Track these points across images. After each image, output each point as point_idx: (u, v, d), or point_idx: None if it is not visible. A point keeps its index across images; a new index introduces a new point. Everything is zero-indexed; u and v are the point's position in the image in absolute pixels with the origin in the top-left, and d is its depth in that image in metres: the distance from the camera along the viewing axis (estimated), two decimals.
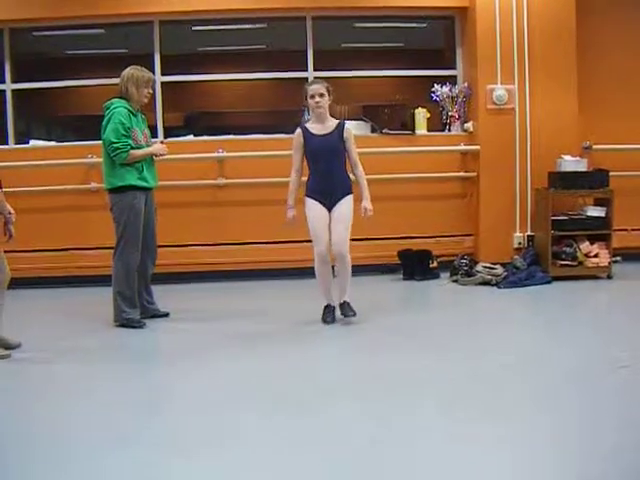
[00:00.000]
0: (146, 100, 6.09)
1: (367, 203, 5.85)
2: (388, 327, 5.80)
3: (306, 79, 8.39)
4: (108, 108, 5.87)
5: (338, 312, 6.00)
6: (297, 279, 7.73)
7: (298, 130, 5.92)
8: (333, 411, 3.88)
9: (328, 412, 3.86)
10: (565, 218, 7.69)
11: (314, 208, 5.80)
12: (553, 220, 7.58)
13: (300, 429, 3.62)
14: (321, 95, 5.76)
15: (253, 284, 7.90)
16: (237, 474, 3.12)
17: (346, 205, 5.80)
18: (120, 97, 5.93)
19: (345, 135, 5.84)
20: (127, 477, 3.11)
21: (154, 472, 3.16)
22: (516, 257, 7.79)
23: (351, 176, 5.96)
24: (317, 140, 5.81)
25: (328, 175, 5.79)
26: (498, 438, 3.41)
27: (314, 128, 5.86)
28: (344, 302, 5.95)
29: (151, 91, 6.10)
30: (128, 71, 5.98)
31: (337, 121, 5.91)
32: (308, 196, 5.86)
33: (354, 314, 5.87)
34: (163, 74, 8.37)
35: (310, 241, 5.88)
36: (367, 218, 5.84)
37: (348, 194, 5.83)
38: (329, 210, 5.80)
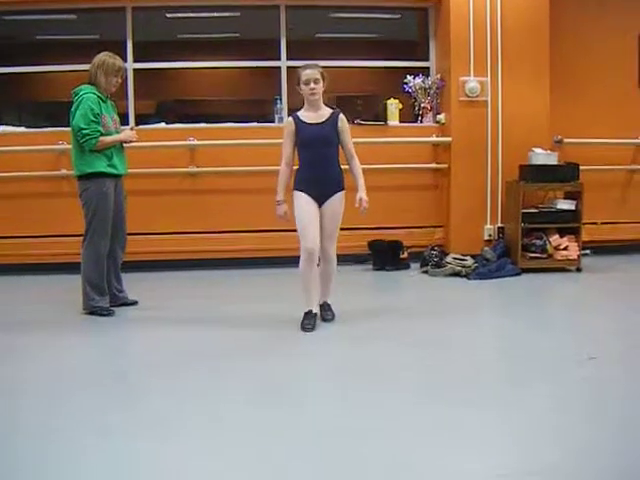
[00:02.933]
0: (114, 89, 6.02)
1: (363, 194, 5.41)
2: (361, 319, 5.73)
3: (279, 68, 8.41)
4: (77, 94, 5.81)
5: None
6: (270, 268, 7.82)
7: (289, 118, 5.52)
8: (316, 403, 3.89)
9: (311, 404, 3.87)
10: (535, 211, 7.75)
11: (303, 203, 5.34)
12: (523, 213, 7.63)
13: (283, 419, 3.61)
14: (316, 81, 5.30)
15: (225, 273, 7.90)
16: (223, 458, 3.11)
17: (338, 202, 5.40)
18: (89, 83, 5.88)
19: (340, 125, 5.40)
20: (111, 465, 3.09)
21: (133, 458, 3.15)
22: (486, 249, 7.83)
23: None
24: (310, 129, 5.36)
25: (320, 167, 5.36)
26: (471, 427, 3.44)
27: (307, 117, 5.41)
28: (324, 303, 5.68)
29: (120, 80, 6.02)
30: (100, 57, 5.90)
31: (331, 110, 5.47)
32: (297, 189, 5.39)
33: (332, 317, 5.62)
34: (135, 61, 8.31)
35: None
36: (362, 210, 5.39)
37: (340, 190, 5.42)
38: (320, 205, 5.38)
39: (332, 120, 5.41)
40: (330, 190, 5.39)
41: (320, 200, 5.38)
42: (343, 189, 5.44)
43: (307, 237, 5.31)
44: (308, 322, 5.40)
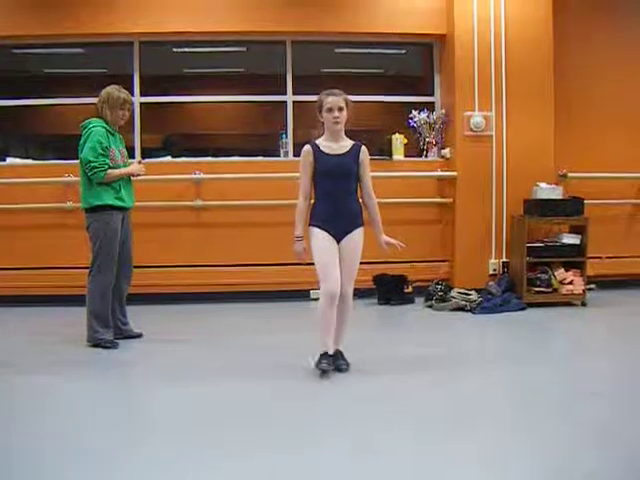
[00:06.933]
0: (122, 122, 6.06)
1: (385, 236, 5.19)
2: (367, 353, 5.60)
3: (285, 103, 8.47)
4: (86, 127, 5.86)
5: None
6: (276, 301, 7.83)
7: (307, 147, 5.08)
8: (317, 435, 3.87)
9: (313, 437, 3.85)
10: (540, 245, 7.75)
11: (322, 240, 4.98)
12: (528, 247, 7.64)
13: (282, 445, 3.59)
14: (340, 109, 4.97)
15: (230, 306, 7.88)
16: None
17: (358, 239, 5.06)
18: (97, 117, 5.93)
19: (361, 157, 5.08)
20: None
21: None
22: (491, 283, 7.83)
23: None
24: (330, 160, 5.01)
25: (339, 201, 5.01)
26: (476, 463, 3.42)
27: (327, 147, 5.05)
28: (337, 351, 5.16)
29: (127, 113, 6.06)
30: (106, 90, 5.96)
31: (352, 142, 5.13)
32: (314, 225, 5.03)
33: (347, 366, 5.13)
34: (142, 95, 8.38)
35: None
36: (389, 251, 5.23)
37: (360, 226, 5.08)
38: (338, 241, 5.02)
39: (354, 151, 5.09)
40: (349, 226, 5.04)
41: (338, 237, 5.03)
42: (363, 224, 5.12)
43: (328, 278, 4.96)
44: (326, 362, 5.02)
